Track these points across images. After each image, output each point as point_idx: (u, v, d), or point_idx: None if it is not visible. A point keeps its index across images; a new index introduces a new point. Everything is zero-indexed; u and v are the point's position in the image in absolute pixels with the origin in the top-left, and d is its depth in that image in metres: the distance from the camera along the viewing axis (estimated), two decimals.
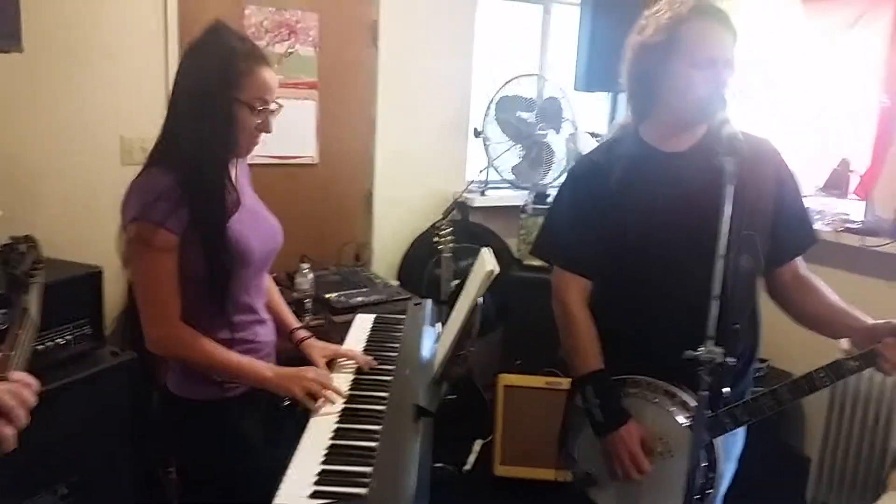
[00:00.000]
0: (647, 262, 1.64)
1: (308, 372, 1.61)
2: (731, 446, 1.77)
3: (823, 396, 2.98)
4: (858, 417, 2.91)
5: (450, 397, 3.15)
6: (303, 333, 1.83)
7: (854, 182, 3.06)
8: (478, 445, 3.26)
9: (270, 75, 1.54)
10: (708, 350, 1.35)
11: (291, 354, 1.80)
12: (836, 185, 3.10)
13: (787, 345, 2.70)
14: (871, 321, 1.56)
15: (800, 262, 1.73)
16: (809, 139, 3.18)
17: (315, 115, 3.13)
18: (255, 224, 1.62)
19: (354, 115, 3.27)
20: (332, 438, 1.40)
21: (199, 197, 1.48)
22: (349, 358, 1.77)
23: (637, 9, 1.70)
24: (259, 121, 1.54)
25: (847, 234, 2.97)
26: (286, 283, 2.88)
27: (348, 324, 2.08)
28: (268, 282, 1.82)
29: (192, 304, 1.53)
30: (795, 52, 3.25)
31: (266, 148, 2.94)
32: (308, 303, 2.71)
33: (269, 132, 1.58)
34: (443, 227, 3.15)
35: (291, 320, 1.88)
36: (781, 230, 1.66)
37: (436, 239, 3.15)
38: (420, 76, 3.36)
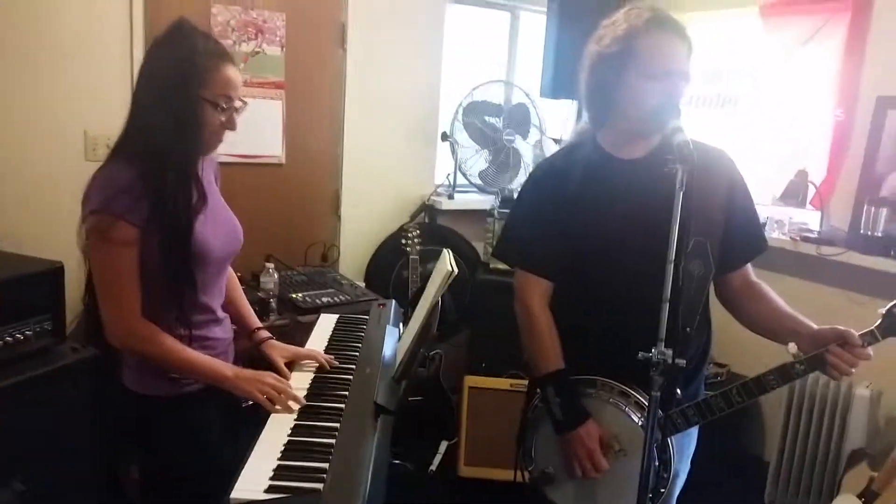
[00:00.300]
0: (603, 266, 1.68)
1: (267, 377, 1.60)
2: (685, 447, 1.81)
3: (781, 400, 3.05)
4: (815, 421, 2.99)
5: (416, 399, 3.17)
6: (264, 334, 1.83)
7: (811, 192, 3.14)
8: (443, 447, 3.28)
9: (234, 73, 1.55)
10: (659, 352, 1.38)
11: (252, 355, 1.80)
12: (793, 195, 3.17)
13: (745, 351, 2.77)
14: (815, 327, 1.61)
15: (749, 269, 1.78)
16: (768, 150, 3.26)
17: (282, 115, 3.13)
18: (217, 225, 1.62)
19: (322, 115, 3.27)
20: (291, 435, 1.41)
21: (161, 192, 1.48)
22: (310, 359, 1.78)
23: (603, 17, 1.73)
24: (223, 118, 1.54)
25: (804, 243, 3.05)
26: (251, 282, 2.87)
27: (313, 324, 2.09)
28: (232, 281, 1.83)
29: (150, 299, 1.52)
30: (754, 65, 3.33)
31: (232, 147, 2.98)
32: (273, 302, 2.71)
33: (234, 129, 1.58)
34: (410, 229, 3.17)
35: (253, 320, 1.87)
36: (732, 237, 1.70)
37: (403, 241, 3.16)
38: (388, 79, 3.38)
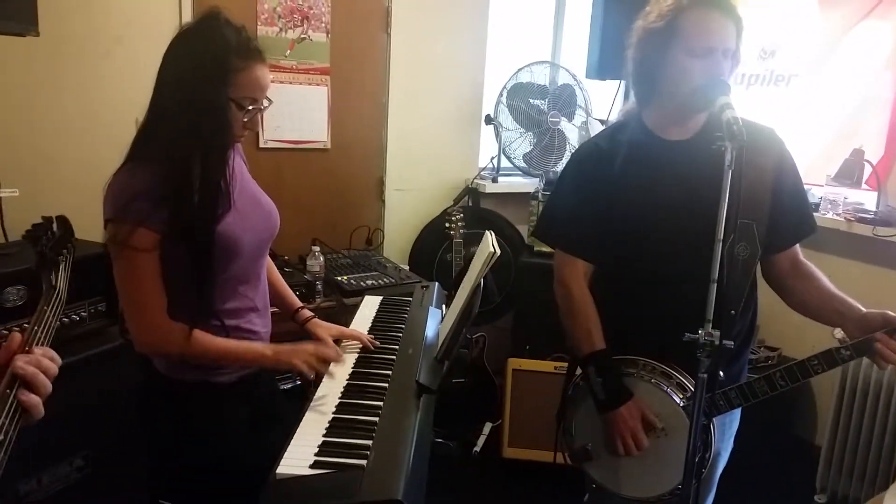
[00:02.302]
0: (646, 248, 1.67)
1: (307, 346, 1.61)
2: (727, 426, 1.81)
3: (833, 384, 2.98)
4: (869, 405, 2.91)
5: (461, 381, 3.19)
6: (307, 313, 1.84)
7: (867, 172, 3.03)
8: (487, 428, 3.30)
9: (264, 72, 1.48)
10: (706, 333, 1.38)
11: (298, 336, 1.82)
12: (848, 174, 3.07)
13: (797, 335, 2.71)
14: (863, 310, 1.57)
15: (797, 251, 1.75)
16: (823, 129, 3.16)
17: (327, 101, 3.16)
18: (246, 215, 1.56)
19: (366, 101, 3.29)
20: (335, 412, 1.44)
21: (183, 197, 1.41)
22: (354, 339, 1.80)
23: None
24: (247, 119, 1.49)
25: (859, 224, 2.96)
26: (298, 265, 2.93)
27: (358, 306, 2.12)
28: (269, 266, 1.79)
29: (178, 297, 1.48)
30: (809, 42, 3.23)
31: (280, 132, 3.04)
32: (319, 285, 2.75)
33: (255, 130, 1.54)
34: (454, 213, 3.18)
35: (295, 300, 1.88)
36: (779, 218, 1.67)
37: (447, 225, 3.17)
38: (432, 63, 3.38)
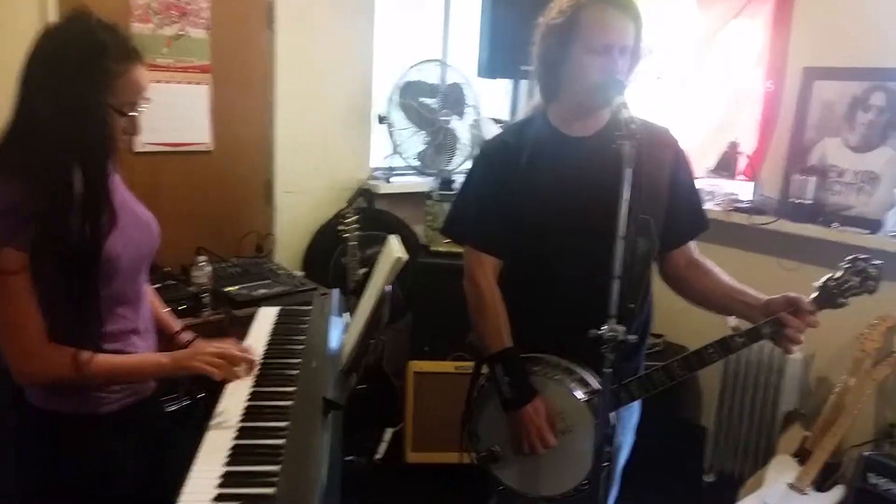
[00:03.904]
0: (551, 244, 1.68)
1: (207, 347, 1.50)
2: (628, 419, 1.85)
3: (716, 368, 3.14)
4: (750, 386, 3.09)
5: (359, 387, 3.12)
6: (187, 336, 1.71)
7: (742, 163, 3.21)
8: (388, 434, 3.25)
9: (143, 74, 1.38)
10: (611, 328, 1.39)
11: None
12: (725, 166, 3.24)
13: (678, 321, 2.83)
14: (765, 298, 1.64)
15: (693, 246, 1.81)
16: (702, 124, 3.32)
17: (208, 101, 2.99)
18: (125, 230, 1.44)
19: (251, 99, 3.15)
20: (236, 438, 1.34)
21: (61, 212, 1.30)
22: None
23: None
24: (127, 124, 1.38)
25: (736, 213, 3.13)
26: (181, 277, 2.76)
27: (251, 318, 2.01)
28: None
29: (59, 319, 1.35)
30: (687, 40, 3.38)
31: (157, 135, 2.85)
32: (206, 297, 2.60)
33: (137, 135, 1.42)
34: (348, 215, 3.10)
35: (173, 323, 1.75)
36: (676, 214, 1.72)
37: (341, 227, 3.09)
38: (319, 60, 3.28)
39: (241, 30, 3.06)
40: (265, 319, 1.98)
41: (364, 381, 3.13)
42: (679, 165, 1.73)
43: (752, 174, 3.19)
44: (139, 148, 2.77)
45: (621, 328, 1.39)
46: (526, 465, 1.72)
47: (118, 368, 1.42)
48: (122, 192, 1.52)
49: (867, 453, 2.63)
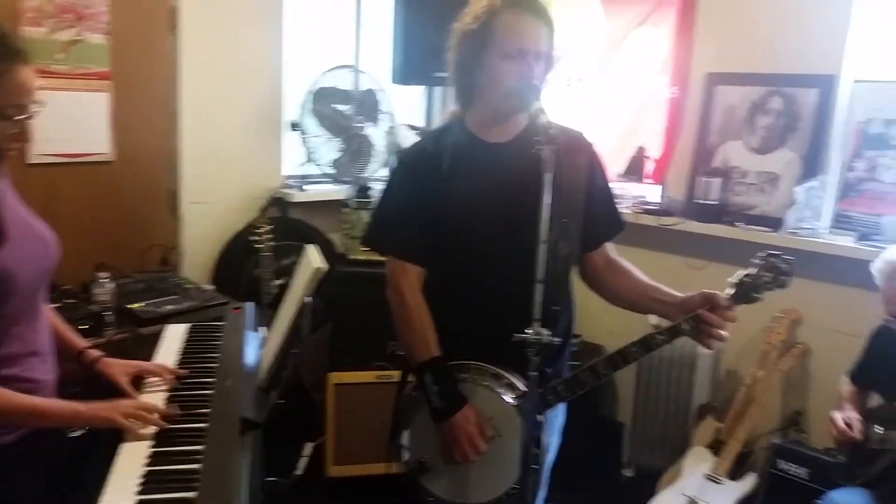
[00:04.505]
0: (473, 250, 1.67)
1: (127, 400, 1.43)
2: (554, 420, 1.86)
3: (632, 366, 3.19)
4: (663, 382, 3.18)
5: (280, 402, 3.02)
6: (94, 353, 1.61)
7: (650, 167, 3.32)
8: (308, 449, 3.16)
9: (29, 75, 1.29)
10: (535, 332, 1.40)
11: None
12: (634, 170, 3.34)
13: (596, 321, 2.89)
14: (682, 296, 1.68)
15: (610, 247, 1.84)
16: (611, 129, 3.40)
17: (108, 109, 2.83)
18: (21, 246, 1.36)
19: (154, 107, 3.01)
20: (149, 465, 1.26)
21: None
22: (155, 374, 1.61)
23: (449, 2, 1.71)
24: (16, 130, 1.29)
25: (645, 215, 3.22)
26: (81, 295, 2.59)
27: (158, 336, 1.91)
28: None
29: None
30: (596, 47, 3.46)
31: (52, 145, 2.67)
32: (109, 316, 2.45)
33: (29, 143, 1.33)
34: (260, 224, 3.01)
35: (78, 340, 1.65)
36: (593, 217, 1.74)
37: (253, 238, 3.00)
38: (226, 66, 3.17)
39: (142, 35, 2.92)
40: (174, 337, 1.89)
41: (281, 396, 3.03)
42: (595, 169, 1.76)
43: (659, 177, 3.30)
44: (33, 159, 2.59)
45: (546, 331, 1.39)
46: (456, 473, 1.70)
47: (27, 411, 1.32)
48: (15, 206, 1.43)
49: (776, 441, 2.75)
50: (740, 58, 3.04)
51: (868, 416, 2.13)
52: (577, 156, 1.70)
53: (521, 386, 1.63)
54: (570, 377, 1.68)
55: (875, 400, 2.26)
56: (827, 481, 2.47)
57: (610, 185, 1.83)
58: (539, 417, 1.53)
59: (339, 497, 2.99)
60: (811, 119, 2.86)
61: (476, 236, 1.66)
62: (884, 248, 2.57)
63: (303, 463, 3.09)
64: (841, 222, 2.81)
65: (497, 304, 1.62)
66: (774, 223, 2.90)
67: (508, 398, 1.64)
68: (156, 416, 1.40)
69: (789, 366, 2.83)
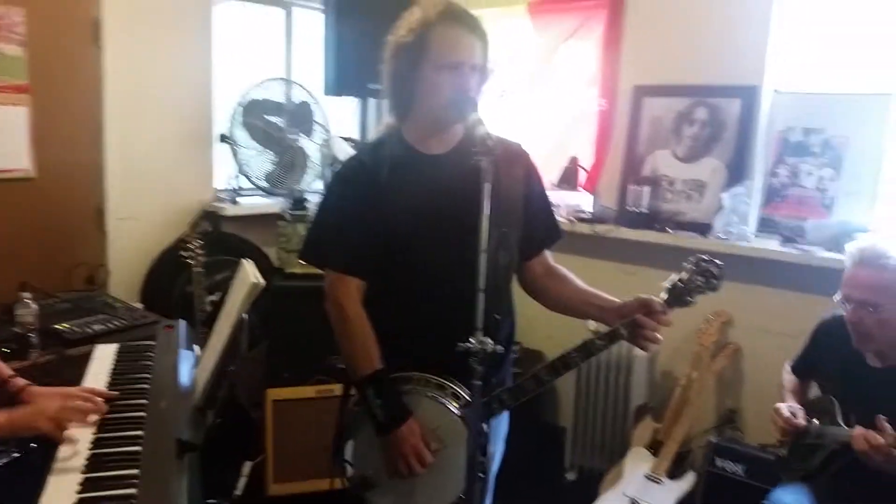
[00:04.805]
0: (413, 261, 1.67)
1: (49, 405, 1.36)
2: (498, 428, 1.87)
3: (572, 371, 3.25)
4: (602, 385, 3.23)
5: (218, 421, 2.94)
6: (20, 382, 1.55)
7: (583, 177, 3.38)
8: (247, 468, 3.08)
9: None
10: (479, 341, 1.40)
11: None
12: (567, 180, 3.40)
13: (535, 328, 2.92)
14: (619, 301, 1.71)
15: (548, 255, 1.87)
16: (543, 140, 3.45)
17: (28, 123, 2.73)
18: None
19: (77, 121, 2.91)
20: (81, 492, 1.20)
21: None
22: (84, 398, 1.54)
23: (381, 14, 1.71)
24: None
25: (580, 223, 3.29)
26: (3, 316, 2.48)
27: (86, 357, 1.83)
28: None
29: None
30: (526, 60, 3.52)
31: None
32: (33, 337, 2.35)
33: None
34: (191, 239, 2.93)
35: (3, 368, 1.58)
36: (531, 226, 1.77)
37: (184, 253, 2.91)
38: (153, 78, 3.10)
39: (63, 46, 2.82)
40: (104, 358, 1.81)
41: (219, 415, 2.95)
42: (532, 178, 1.79)
43: (591, 186, 3.37)
44: None
45: (488, 340, 1.40)
46: (402, 486, 1.68)
47: None
48: None
49: (713, 439, 2.83)
50: (666, 70, 3.14)
51: (805, 409, 2.19)
52: (514, 166, 1.72)
53: (466, 395, 1.63)
54: (514, 385, 1.69)
55: (814, 391, 2.31)
56: (763, 477, 2.55)
57: (547, 194, 1.86)
58: (484, 426, 1.53)
59: None
60: (735, 128, 2.97)
61: (416, 247, 1.65)
62: (807, 251, 2.70)
63: (242, 483, 3.02)
64: (766, 226, 2.92)
65: (439, 315, 1.61)
66: (703, 228, 3.00)
67: (453, 408, 1.64)
68: (91, 405, 1.33)
69: (722, 366, 2.93)
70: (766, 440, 2.66)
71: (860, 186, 2.71)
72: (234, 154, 3.28)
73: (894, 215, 2.70)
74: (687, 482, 2.79)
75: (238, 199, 3.39)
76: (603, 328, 1.69)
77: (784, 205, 2.88)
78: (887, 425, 1.83)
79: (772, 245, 2.84)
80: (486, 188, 1.40)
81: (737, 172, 2.96)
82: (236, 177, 3.36)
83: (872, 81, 2.74)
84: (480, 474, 1.58)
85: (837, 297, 2.07)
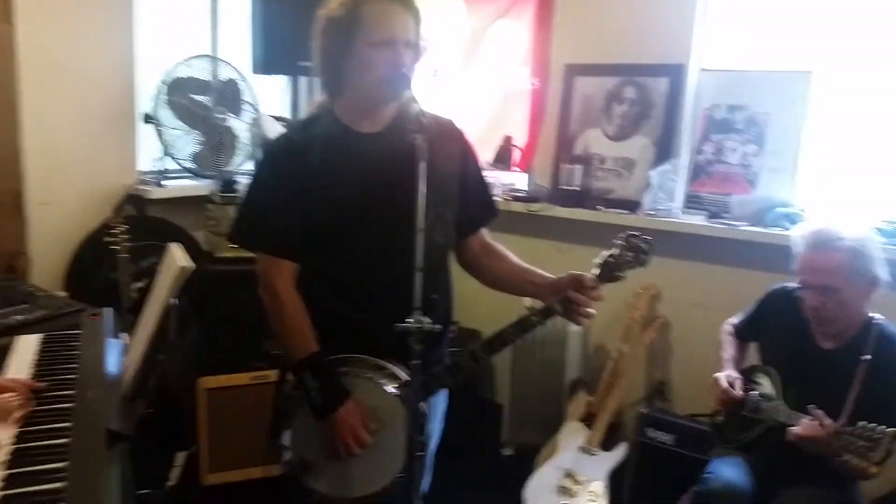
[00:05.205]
0: (348, 242, 1.66)
1: None
2: (436, 406, 1.88)
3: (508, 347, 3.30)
4: (537, 361, 3.29)
5: (148, 412, 2.86)
6: None
7: (517, 156, 3.41)
8: (180, 458, 3.01)
9: None
10: (417, 320, 1.41)
11: None
12: (502, 159, 3.42)
13: (471, 306, 2.94)
14: (553, 277, 1.73)
15: (485, 233, 1.88)
16: (477, 119, 3.46)
17: None
18: None
19: None
20: (4, 489, 1.15)
21: None
22: (9, 390, 1.47)
23: None
24: None
25: (515, 202, 3.31)
26: None
27: (6, 349, 1.75)
28: None
29: None
30: (459, 39, 3.51)
31: None
32: None
33: None
34: (115, 224, 2.82)
35: None
36: (468, 204, 1.77)
37: (108, 239, 2.81)
38: (71, 56, 2.95)
39: None
40: (26, 349, 1.73)
41: (149, 404, 2.87)
42: (467, 156, 1.79)
43: (525, 165, 3.40)
44: None
45: (426, 319, 1.40)
46: (340, 468, 1.68)
47: None
48: None
49: (643, 410, 2.92)
50: (596, 49, 3.19)
51: (744, 378, 2.21)
52: (449, 144, 1.72)
53: (404, 375, 1.63)
54: (451, 363, 1.71)
55: (753, 358, 2.34)
56: (692, 446, 2.66)
57: (482, 172, 1.86)
58: (422, 405, 1.54)
59: None
60: (662, 107, 3.04)
61: (351, 228, 1.64)
62: (732, 225, 2.79)
63: (175, 473, 2.95)
64: (693, 202, 3.00)
65: (375, 295, 1.61)
66: (632, 206, 3.07)
67: (391, 388, 1.64)
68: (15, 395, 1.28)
69: (651, 339, 3.02)
70: (694, 410, 2.77)
71: (782, 162, 2.81)
72: (159, 135, 3.17)
73: (815, 190, 2.82)
74: (620, 453, 2.87)
75: (164, 181, 3.27)
76: (538, 305, 1.71)
77: (710, 181, 2.97)
78: (827, 419, 1.88)
79: (698, 220, 2.92)
80: (422, 167, 1.39)
81: (665, 150, 3.03)
82: (162, 158, 3.25)
83: (794, 59, 2.83)
84: (419, 453, 1.60)
85: (794, 283, 2.09)
